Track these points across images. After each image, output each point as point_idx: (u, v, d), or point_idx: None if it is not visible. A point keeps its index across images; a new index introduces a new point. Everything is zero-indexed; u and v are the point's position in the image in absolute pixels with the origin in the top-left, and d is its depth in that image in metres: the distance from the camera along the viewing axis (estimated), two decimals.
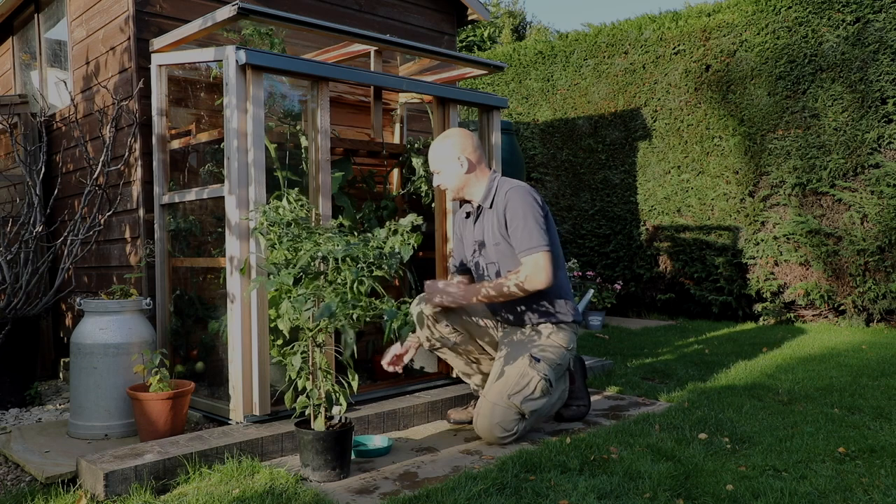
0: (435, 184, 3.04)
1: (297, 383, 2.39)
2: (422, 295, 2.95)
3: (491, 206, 2.93)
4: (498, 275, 2.92)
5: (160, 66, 3.31)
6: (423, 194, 3.73)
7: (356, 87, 4.10)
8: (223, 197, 2.84)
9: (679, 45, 6.50)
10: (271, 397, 2.80)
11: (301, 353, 2.38)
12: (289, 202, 2.53)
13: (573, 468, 2.36)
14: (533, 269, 2.76)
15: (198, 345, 3.31)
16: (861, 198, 5.51)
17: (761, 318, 6.15)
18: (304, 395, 2.38)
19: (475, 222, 3.02)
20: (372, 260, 2.36)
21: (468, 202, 3.05)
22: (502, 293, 2.80)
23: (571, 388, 3.08)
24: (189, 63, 3.33)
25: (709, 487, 2.17)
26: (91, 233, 3.50)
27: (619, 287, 6.23)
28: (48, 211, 3.89)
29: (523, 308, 2.92)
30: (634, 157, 6.85)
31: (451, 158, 2.95)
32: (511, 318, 2.97)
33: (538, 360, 2.82)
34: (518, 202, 2.84)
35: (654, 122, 6.67)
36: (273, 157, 3.23)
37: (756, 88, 5.97)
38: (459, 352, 3.02)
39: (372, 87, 3.77)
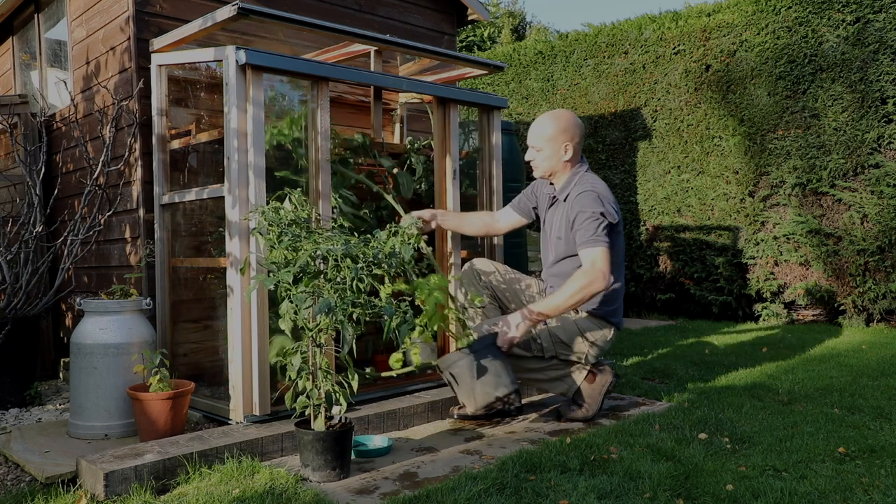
0: (528, 158, 3.10)
1: (297, 383, 2.39)
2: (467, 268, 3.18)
3: (565, 200, 3.02)
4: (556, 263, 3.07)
5: (160, 66, 3.31)
6: (423, 195, 3.73)
7: (356, 87, 4.11)
8: (223, 197, 2.84)
9: (679, 45, 6.49)
10: (271, 397, 2.81)
11: (301, 354, 2.38)
12: (291, 202, 2.53)
13: (573, 468, 2.36)
14: (589, 265, 2.83)
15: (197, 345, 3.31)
16: (861, 198, 5.51)
17: (761, 318, 6.15)
18: (304, 395, 2.38)
19: (549, 207, 3.12)
20: (371, 259, 2.37)
21: (552, 184, 3.13)
22: (562, 305, 2.83)
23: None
24: (189, 63, 3.33)
25: (709, 487, 2.17)
26: (91, 233, 3.50)
27: None
28: (48, 211, 3.88)
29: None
30: (634, 157, 6.85)
31: (559, 143, 3.01)
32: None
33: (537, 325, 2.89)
34: (583, 204, 2.89)
35: (654, 122, 6.67)
36: (273, 157, 3.23)
37: (756, 88, 5.97)
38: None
39: (372, 87, 3.77)
